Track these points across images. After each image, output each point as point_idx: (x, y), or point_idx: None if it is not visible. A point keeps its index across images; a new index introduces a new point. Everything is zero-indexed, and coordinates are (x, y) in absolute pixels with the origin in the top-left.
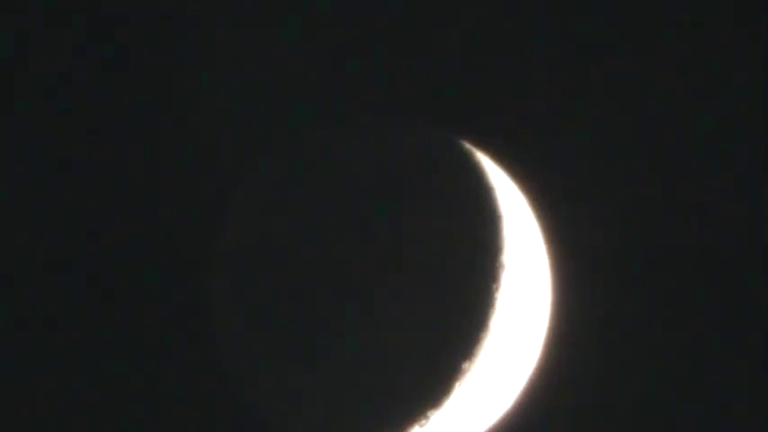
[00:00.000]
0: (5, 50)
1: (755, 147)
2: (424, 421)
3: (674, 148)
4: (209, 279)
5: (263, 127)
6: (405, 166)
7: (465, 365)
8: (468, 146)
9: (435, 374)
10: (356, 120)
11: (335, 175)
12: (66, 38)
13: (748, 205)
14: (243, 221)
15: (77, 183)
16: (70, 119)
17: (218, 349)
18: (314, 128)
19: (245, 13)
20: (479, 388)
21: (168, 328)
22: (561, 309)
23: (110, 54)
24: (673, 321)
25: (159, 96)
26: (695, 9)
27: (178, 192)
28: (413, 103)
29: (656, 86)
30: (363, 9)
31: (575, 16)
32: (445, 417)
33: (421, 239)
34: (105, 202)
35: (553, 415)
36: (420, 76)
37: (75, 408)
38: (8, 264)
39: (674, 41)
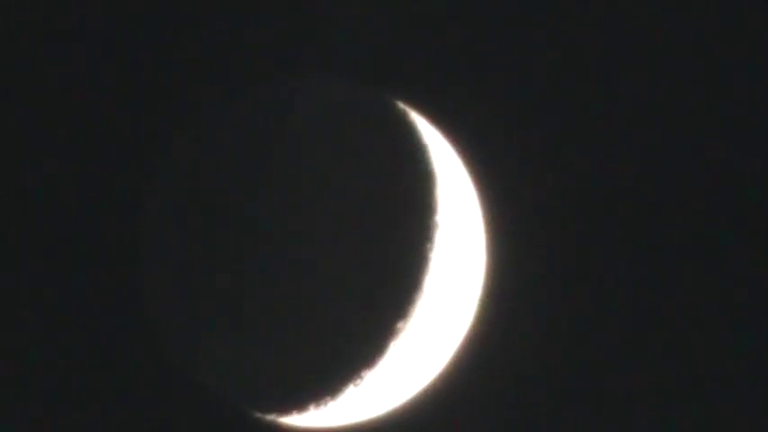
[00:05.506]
0: (5, 50)
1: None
2: (358, 381)
3: (599, 103)
4: (139, 238)
5: (200, 83)
6: (338, 124)
7: (399, 325)
8: (402, 106)
9: (369, 334)
10: (294, 77)
11: (269, 133)
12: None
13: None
14: (170, 187)
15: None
16: None
17: (147, 307)
18: (250, 85)
19: None
20: (414, 348)
21: (99, 296)
22: (496, 268)
23: None
24: (605, 279)
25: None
26: None
27: (114, 136)
28: (348, 63)
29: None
30: None
31: None
32: (379, 377)
33: (354, 198)
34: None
35: (488, 375)
36: (357, 36)
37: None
38: None
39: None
